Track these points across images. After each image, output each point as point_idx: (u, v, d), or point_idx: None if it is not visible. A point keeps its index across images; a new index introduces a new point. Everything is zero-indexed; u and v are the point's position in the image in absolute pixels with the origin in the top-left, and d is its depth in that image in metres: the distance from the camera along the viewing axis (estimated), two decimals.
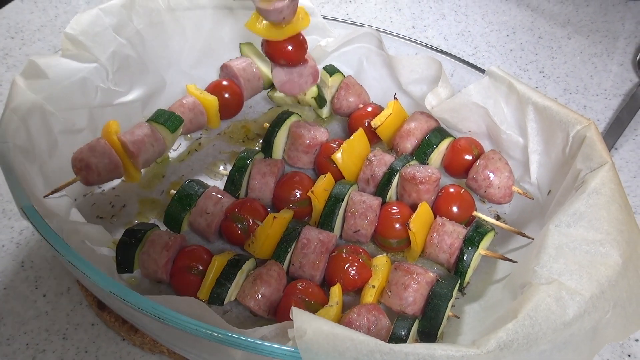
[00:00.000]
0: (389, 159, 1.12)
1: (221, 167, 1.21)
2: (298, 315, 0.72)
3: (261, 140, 1.22)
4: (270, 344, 0.72)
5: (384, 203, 1.08)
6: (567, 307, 0.74)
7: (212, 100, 1.21)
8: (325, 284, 0.99)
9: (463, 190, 1.08)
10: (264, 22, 1.09)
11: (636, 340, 0.98)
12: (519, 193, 1.06)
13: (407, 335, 0.87)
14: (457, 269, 1.00)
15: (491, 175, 1.06)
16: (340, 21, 1.30)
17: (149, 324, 0.83)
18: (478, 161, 1.08)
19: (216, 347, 0.77)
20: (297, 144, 1.17)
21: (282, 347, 0.72)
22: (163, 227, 1.08)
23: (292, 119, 1.20)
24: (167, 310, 0.75)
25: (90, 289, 0.94)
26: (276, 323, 0.78)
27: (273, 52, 1.16)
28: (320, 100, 1.27)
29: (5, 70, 1.45)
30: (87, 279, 0.80)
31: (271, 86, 1.31)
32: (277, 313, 0.93)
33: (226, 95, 1.25)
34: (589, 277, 0.77)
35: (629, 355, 0.97)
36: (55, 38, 1.55)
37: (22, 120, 0.97)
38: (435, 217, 1.04)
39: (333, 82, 1.27)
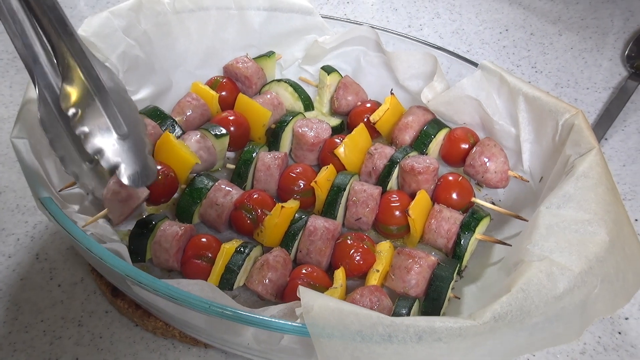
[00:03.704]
0: (389, 151, 1.17)
1: (227, 161, 1.26)
2: (305, 293, 0.76)
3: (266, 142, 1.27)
4: (280, 320, 0.76)
5: (384, 192, 1.12)
6: (558, 281, 0.77)
7: (214, 95, 1.27)
8: (332, 270, 1.03)
9: (461, 177, 1.12)
10: None
11: (626, 319, 1.03)
12: (515, 176, 1.11)
13: (408, 314, 0.92)
14: (454, 253, 1.04)
15: (487, 161, 1.11)
16: (338, 20, 1.35)
17: (163, 306, 0.87)
18: (474, 148, 1.13)
19: (228, 325, 0.81)
20: (302, 143, 1.21)
21: (291, 323, 0.76)
22: (173, 219, 1.12)
23: (298, 117, 1.25)
24: (181, 290, 0.79)
25: (105, 275, 0.99)
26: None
27: None
28: None
29: (15, 72, 1.50)
30: (103, 265, 0.84)
31: None
32: (284, 296, 0.97)
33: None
34: (578, 254, 0.81)
35: (620, 333, 1.01)
36: None
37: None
38: (433, 205, 1.09)
39: (331, 80, 1.32)
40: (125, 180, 0.88)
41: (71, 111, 0.87)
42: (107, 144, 0.88)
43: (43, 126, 0.90)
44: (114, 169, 0.88)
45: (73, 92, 0.88)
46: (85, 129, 0.87)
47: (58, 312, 1.04)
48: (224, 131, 1.18)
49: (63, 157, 0.92)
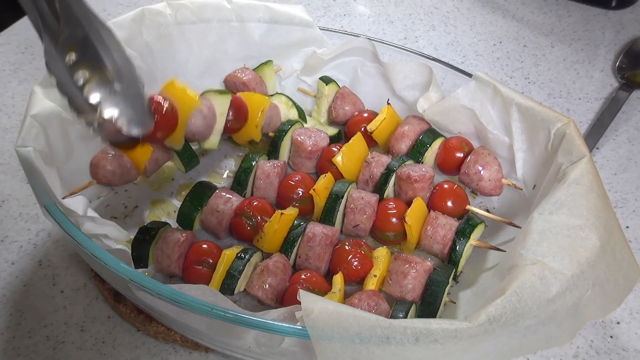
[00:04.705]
0: (386, 159, 1.19)
1: (227, 170, 1.28)
2: (305, 296, 0.78)
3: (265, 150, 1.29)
4: (280, 323, 0.78)
5: (381, 200, 1.15)
6: (550, 285, 0.79)
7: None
8: (330, 275, 1.05)
9: (456, 185, 1.15)
10: None
11: (618, 323, 1.05)
12: (509, 185, 1.14)
13: (405, 318, 0.94)
14: (450, 259, 1.07)
15: (481, 169, 1.13)
16: (336, 32, 1.38)
17: (166, 310, 0.89)
18: (469, 157, 1.16)
19: (229, 329, 0.83)
20: (300, 150, 1.24)
21: (292, 326, 0.78)
22: (174, 225, 1.14)
23: (297, 126, 1.27)
24: (184, 294, 0.81)
25: (109, 280, 1.00)
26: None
27: None
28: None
29: (17, 83, 1.52)
30: (107, 270, 0.86)
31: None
32: (284, 301, 0.99)
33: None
34: (570, 258, 0.82)
35: (611, 337, 1.03)
36: None
37: (42, 126, 1.02)
38: (429, 212, 1.11)
39: (329, 90, 1.35)
40: (124, 128, 0.88)
41: (69, 56, 0.86)
42: (105, 93, 0.87)
43: (48, 68, 0.87)
44: (111, 117, 0.87)
45: (71, 36, 0.87)
46: (83, 76, 0.86)
47: (61, 317, 1.05)
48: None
49: (70, 99, 0.90)
